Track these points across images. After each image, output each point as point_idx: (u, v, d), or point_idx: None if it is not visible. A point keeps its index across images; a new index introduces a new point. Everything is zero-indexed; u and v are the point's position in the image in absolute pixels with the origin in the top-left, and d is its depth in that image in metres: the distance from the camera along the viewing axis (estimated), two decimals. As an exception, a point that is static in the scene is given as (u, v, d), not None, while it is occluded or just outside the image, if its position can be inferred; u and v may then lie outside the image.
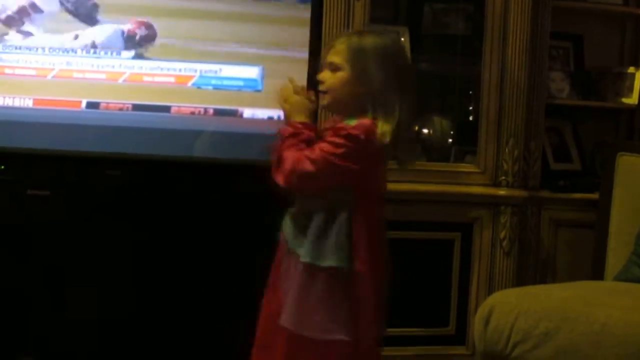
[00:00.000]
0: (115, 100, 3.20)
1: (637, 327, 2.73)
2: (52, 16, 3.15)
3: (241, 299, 3.24)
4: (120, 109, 3.21)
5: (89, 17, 3.17)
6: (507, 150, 3.54)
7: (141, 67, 3.21)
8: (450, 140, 3.75)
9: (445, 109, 3.80)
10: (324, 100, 2.39)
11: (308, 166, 2.27)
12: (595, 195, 3.60)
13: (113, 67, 3.20)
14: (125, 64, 3.20)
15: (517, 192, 3.56)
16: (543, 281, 3.62)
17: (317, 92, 2.42)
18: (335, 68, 2.36)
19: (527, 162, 3.59)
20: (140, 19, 3.19)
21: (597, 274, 3.41)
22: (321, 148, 2.29)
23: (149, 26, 3.20)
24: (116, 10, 3.19)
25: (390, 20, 3.76)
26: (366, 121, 2.31)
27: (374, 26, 3.39)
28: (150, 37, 3.20)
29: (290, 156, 2.29)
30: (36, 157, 3.17)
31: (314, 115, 2.43)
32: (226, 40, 3.26)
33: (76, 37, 3.16)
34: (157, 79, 3.23)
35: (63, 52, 3.16)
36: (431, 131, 3.72)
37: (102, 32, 3.18)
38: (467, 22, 3.76)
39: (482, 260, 3.55)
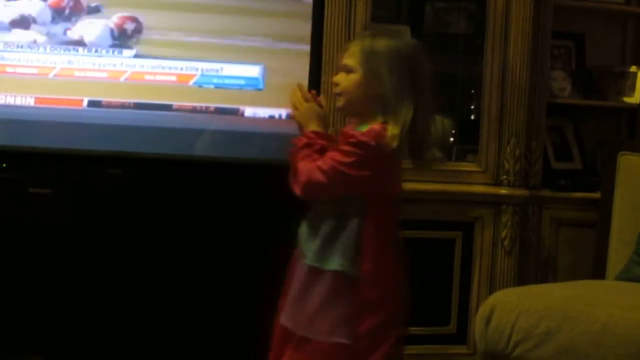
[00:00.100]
0: (116, 99, 3.20)
1: (638, 326, 2.73)
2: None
3: (241, 299, 3.26)
4: (122, 108, 3.21)
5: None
6: (508, 149, 3.54)
7: (142, 66, 3.21)
8: (451, 139, 3.74)
9: (447, 108, 3.79)
10: (339, 102, 2.40)
11: (320, 177, 2.28)
12: (596, 195, 3.60)
13: (114, 65, 3.20)
14: (127, 63, 3.20)
15: (518, 191, 3.55)
16: (544, 280, 3.61)
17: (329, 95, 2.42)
18: (348, 70, 2.36)
19: (529, 161, 3.58)
20: (126, 14, 3.18)
21: (598, 273, 3.41)
22: (332, 157, 2.29)
23: (134, 20, 3.19)
24: (110, 3, 3.19)
25: (392, 18, 3.75)
26: (376, 126, 2.31)
27: (375, 25, 3.38)
28: (137, 30, 3.19)
29: (304, 167, 2.30)
30: (38, 156, 3.17)
31: (326, 120, 2.43)
32: (227, 33, 3.26)
33: (65, 32, 3.16)
34: (158, 77, 3.23)
35: (65, 50, 3.16)
36: (433, 130, 3.71)
37: (90, 27, 3.17)
38: (469, 21, 3.76)
39: (483, 259, 3.54)
